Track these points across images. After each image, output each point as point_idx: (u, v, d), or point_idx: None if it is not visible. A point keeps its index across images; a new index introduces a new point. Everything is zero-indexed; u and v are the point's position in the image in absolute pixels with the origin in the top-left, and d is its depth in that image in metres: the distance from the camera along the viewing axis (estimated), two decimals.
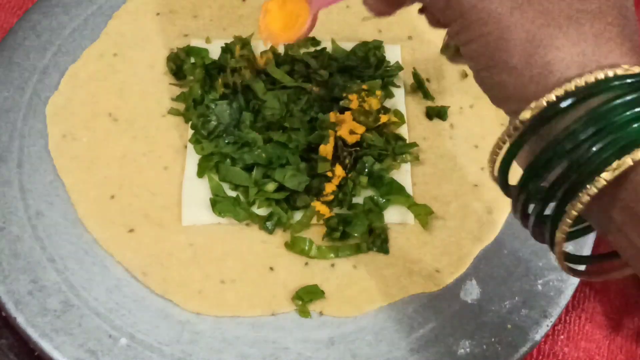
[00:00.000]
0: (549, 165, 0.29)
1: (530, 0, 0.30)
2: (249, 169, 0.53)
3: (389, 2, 0.38)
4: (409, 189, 0.53)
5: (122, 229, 0.51)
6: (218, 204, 0.52)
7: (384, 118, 0.54)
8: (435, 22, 0.38)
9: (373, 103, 0.55)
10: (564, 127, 0.29)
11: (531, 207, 0.31)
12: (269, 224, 0.51)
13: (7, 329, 0.49)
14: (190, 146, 0.54)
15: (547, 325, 0.48)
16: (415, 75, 0.58)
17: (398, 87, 0.58)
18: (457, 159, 0.55)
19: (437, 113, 0.57)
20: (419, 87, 0.58)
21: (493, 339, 0.48)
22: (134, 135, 0.55)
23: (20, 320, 0.47)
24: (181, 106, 0.56)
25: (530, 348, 0.48)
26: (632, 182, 0.28)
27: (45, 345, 0.46)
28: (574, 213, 0.29)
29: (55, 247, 0.50)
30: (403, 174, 0.54)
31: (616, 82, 0.28)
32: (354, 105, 0.54)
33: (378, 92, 0.55)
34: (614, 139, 0.28)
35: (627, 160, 0.27)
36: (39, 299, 0.48)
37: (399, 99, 0.57)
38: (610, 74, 0.29)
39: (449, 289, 0.50)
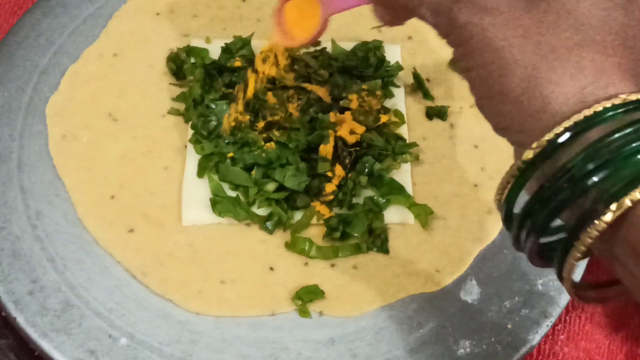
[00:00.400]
0: (549, 202, 0.29)
1: (531, 32, 0.30)
2: (249, 169, 0.53)
3: (398, 14, 0.38)
4: (409, 189, 0.53)
5: (122, 229, 0.51)
6: (218, 204, 0.52)
7: (384, 118, 0.54)
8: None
9: (373, 103, 0.55)
10: (561, 164, 0.28)
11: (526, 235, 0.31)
12: (269, 224, 0.51)
13: (7, 329, 0.49)
14: (190, 146, 0.54)
15: (547, 325, 0.48)
16: (415, 75, 0.58)
17: (398, 87, 0.58)
18: (457, 159, 0.55)
19: (437, 113, 0.57)
20: (419, 87, 0.58)
21: (493, 339, 0.48)
22: (134, 135, 0.55)
23: (20, 320, 0.47)
24: (181, 106, 0.56)
25: (531, 348, 0.48)
26: (632, 219, 0.27)
27: (45, 345, 0.46)
28: (577, 255, 0.28)
29: (55, 247, 0.50)
30: (403, 174, 0.54)
31: (610, 113, 0.28)
32: (354, 105, 0.54)
33: (378, 92, 0.56)
34: (611, 176, 0.27)
35: (626, 202, 0.27)
36: (39, 298, 0.48)
37: (399, 99, 0.57)
38: (608, 105, 0.28)
39: (449, 289, 0.50)
